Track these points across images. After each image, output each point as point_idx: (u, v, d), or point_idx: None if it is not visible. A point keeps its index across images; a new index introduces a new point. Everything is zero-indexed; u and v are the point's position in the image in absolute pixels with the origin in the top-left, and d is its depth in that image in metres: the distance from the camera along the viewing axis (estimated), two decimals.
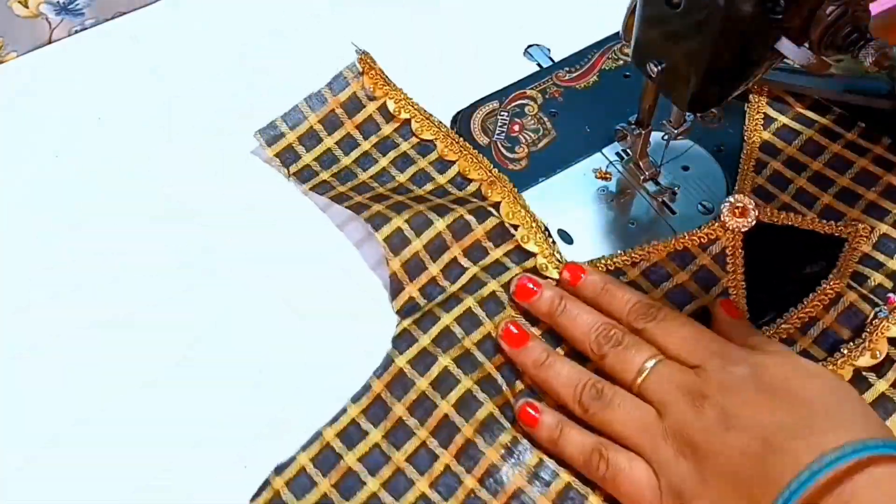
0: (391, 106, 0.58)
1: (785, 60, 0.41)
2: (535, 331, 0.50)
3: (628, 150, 0.57)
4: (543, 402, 0.47)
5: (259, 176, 0.57)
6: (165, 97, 0.61)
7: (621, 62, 0.61)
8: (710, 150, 0.57)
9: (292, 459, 0.46)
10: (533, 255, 0.52)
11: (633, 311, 0.48)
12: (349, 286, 0.52)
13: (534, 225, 0.53)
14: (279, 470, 0.45)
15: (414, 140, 0.57)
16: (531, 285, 0.50)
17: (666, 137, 0.53)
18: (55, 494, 0.46)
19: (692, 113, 0.47)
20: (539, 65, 0.62)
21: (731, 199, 0.49)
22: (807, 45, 0.40)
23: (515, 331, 0.48)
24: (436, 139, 0.57)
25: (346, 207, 0.53)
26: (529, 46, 0.63)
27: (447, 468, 0.45)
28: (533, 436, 0.46)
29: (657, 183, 0.55)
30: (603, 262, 0.52)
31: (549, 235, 0.53)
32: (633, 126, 0.54)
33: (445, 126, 0.57)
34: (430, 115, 0.58)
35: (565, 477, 0.45)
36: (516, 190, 0.54)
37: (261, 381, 0.49)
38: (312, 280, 0.53)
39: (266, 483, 0.45)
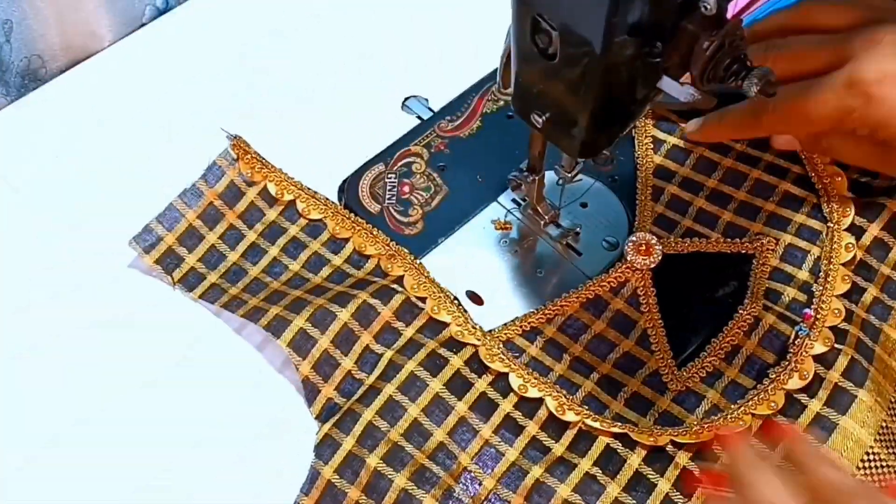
0: (272, 189, 0.55)
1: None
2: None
3: (525, 197, 0.55)
4: None
5: None
6: (166, 97, 0.61)
7: (502, 103, 0.60)
8: (606, 183, 0.56)
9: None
10: (446, 324, 0.50)
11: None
12: (258, 394, 0.50)
13: (441, 294, 0.51)
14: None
15: (302, 222, 0.54)
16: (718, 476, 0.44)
17: (561, 182, 0.51)
18: (55, 494, 0.46)
19: (583, 158, 0.46)
20: (419, 117, 0.60)
21: (634, 238, 0.49)
22: (689, 79, 0.40)
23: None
24: (324, 217, 0.54)
25: (241, 315, 0.50)
26: (406, 99, 0.61)
27: None
28: None
29: (558, 225, 0.54)
30: (518, 323, 0.50)
31: (458, 301, 0.51)
32: (526, 173, 0.53)
33: (333, 202, 0.55)
34: (315, 192, 0.55)
35: None
36: (416, 260, 0.52)
37: (261, 380, 0.50)
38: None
39: None
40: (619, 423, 0.47)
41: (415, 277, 0.51)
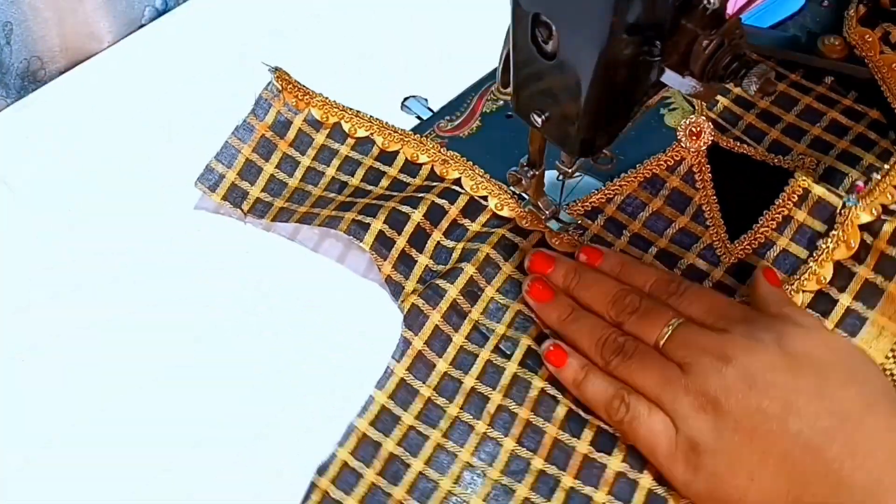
0: (316, 114, 0.57)
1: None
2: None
3: (525, 193, 0.55)
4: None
5: None
6: (165, 98, 0.61)
7: (501, 102, 0.60)
8: (604, 181, 0.56)
9: (332, 457, 0.46)
10: (511, 220, 0.53)
11: (654, 286, 0.48)
12: (347, 294, 0.53)
13: (501, 192, 0.54)
14: (321, 471, 0.45)
15: (350, 141, 0.57)
16: (547, 259, 0.50)
17: (560, 178, 0.51)
18: (55, 494, 0.47)
19: (583, 157, 0.46)
20: (419, 117, 0.60)
21: (686, 121, 0.52)
22: (689, 74, 0.40)
23: (541, 287, 0.49)
24: (371, 134, 0.56)
25: (317, 226, 0.53)
26: (406, 99, 0.61)
27: (484, 435, 0.46)
28: (558, 377, 0.47)
29: (559, 220, 0.54)
30: (580, 203, 0.53)
31: (519, 196, 0.54)
32: (526, 168, 0.52)
33: (377, 118, 0.57)
34: (358, 111, 0.57)
35: (595, 422, 0.46)
36: (470, 162, 0.55)
37: (261, 381, 0.50)
38: (310, 287, 0.53)
39: (312, 486, 0.45)
40: None
41: (472, 178, 0.54)
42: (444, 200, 0.53)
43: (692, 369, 0.43)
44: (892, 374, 0.46)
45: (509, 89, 0.45)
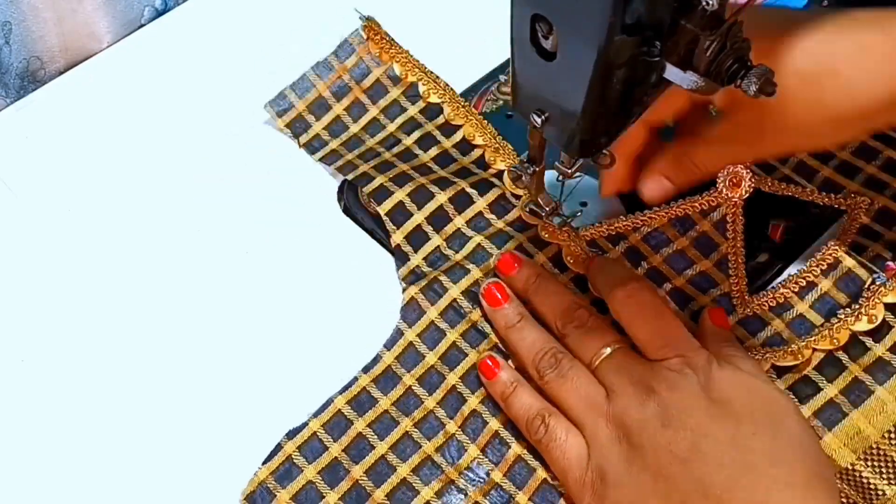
0: (397, 69, 0.59)
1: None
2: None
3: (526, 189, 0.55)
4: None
5: (258, 162, 0.58)
6: (165, 99, 0.61)
7: (501, 102, 0.60)
8: None
9: (303, 425, 0.47)
10: (534, 227, 0.53)
11: (562, 314, 0.48)
12: (297, 209, 0.55)
13: (539, 195, 0.53)
14: (291, 435, 0.47)
15: (421, 104, 0.58)
16: (514, 263, 0.51)
17: (560, 178, 0.51)
18: (55, 494, 0.47)
19: (583, 157, 0.46)
20: None
21: (726, 170, 0.50)
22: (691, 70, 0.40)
23: (496, 291, 0.50)
24: (443, 102, 0.58)
25: (351, 179, 0.55)
26: None
27: (452, 436, 0.47)
28: (487, 388, 0.48)
29: (560, 215, 0.54)
30: (604, 226, 0.53)
31: (558, 205, 0.53)
32: (526, 165, 0.52)
33: (452, 89, 0.58)
34: (438, 77, 0.58)
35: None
36: (518, 156, 0.55)
37: (261, 381, 0.50)
38: (293, 236, 0.55)
39: (278, 447, 0.47)
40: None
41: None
42: (473, 191, 0.54)
43: (616, 398, 0.44)
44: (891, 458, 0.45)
45: (508, 88, 0.45)
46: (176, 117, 0.60)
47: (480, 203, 0.54)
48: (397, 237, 0.53)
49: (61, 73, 0.63)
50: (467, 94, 0.60)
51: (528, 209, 0.55)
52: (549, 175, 0.52)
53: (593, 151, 0.45)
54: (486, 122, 0.57)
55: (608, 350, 0.46)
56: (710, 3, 0.35)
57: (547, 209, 0.54)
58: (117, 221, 0.56)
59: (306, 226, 0.56)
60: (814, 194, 0.53)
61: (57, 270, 0.54)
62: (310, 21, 0.64)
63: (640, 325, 0.46)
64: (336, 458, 0.47)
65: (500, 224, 0.53)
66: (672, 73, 0.39)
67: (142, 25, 0.65)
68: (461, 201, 0.53)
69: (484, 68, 0.61)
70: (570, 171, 0.50)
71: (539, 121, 0.44)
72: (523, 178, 0.54)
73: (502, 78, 0.61)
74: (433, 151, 0.57)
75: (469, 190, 0.54)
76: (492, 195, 0.54)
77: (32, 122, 0.60)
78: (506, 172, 0.55)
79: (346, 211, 0.56)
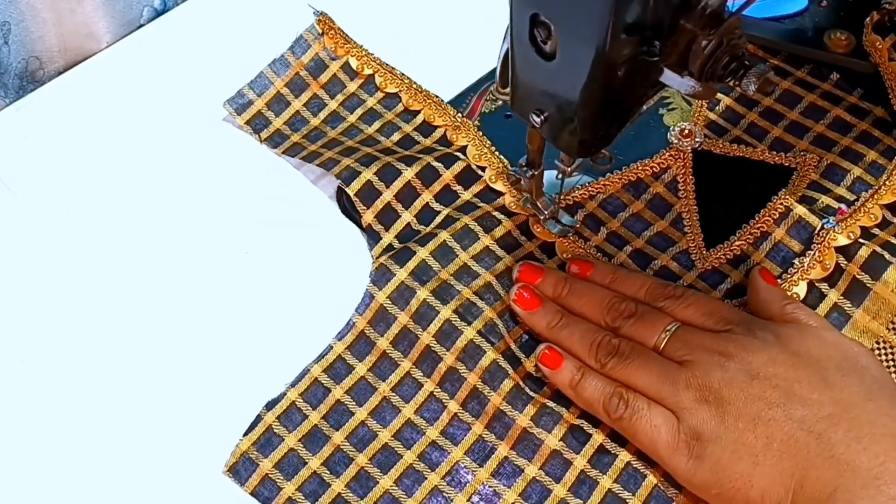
0: (354, 63, 0.59)
1: None
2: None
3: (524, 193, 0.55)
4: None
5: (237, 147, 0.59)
6: (164, 99, 0.61)
7: (500, 102, 0.60)
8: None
9: (282, 396, 0.48)
10: (502, 194, 0.54)
11: (649, 293, 0.48)
12: (298, 210, 0.56)
13: (500, 165, 0.55)
14: (270, 406, 0.48)
15: (379, 94, 0.59)
16: (532, 271, 0.50)
17: (560, 177, 0.51)
18: (55, 494, 0.47)
19: (582, 157, 0.46)
20: None
21: (676, 127, 0.53)
22: (688, 74, 0.40)
23: (528, 295, 0.49)
24: (400, 91, 0.59)
25: (317, 165, 0.55)
26: None
27: (430, 395, 0.48)
28: (552, 380, 0.47)
29: (558, 221, 0.54)
30: (563, 196, 0.54)
31: (516, 173, 0.54)
32: (525, 168, 0.52)
33: (408, 77, 0.59)
34: (393, 68, 0.59)
35: (541, 399, 0.47)
36: (481, 133, 0.56)
37: (261, 382, 0.50)
38: (292, 236, 0.55)
39: (258, 418, 0.48)
40: None
41: (477, 148, 0.56)
42: (440, 164, 0.55)
43: (693, 365, 0.44)
44: None
45: (508, 89, 0.46)
46: (175, 117, 0.60)
47: (447, 175, 0.54)
48: (368, 217, 0.53)
49: (60, 73, 0.63)
50: (467, 93, 0.60)
51: (527, 207, 0.55)
52: (549, 174, 0.52)
53: (592, 151, 0.45)
54: (444, 102, 0.58)
55: (668, 333, 0.46)
56: (710, 1, 0.36)
57: (546, 213, 0.54)
58: (116, 221, 0.56)
59: (306, 226, 0.56)
60: (764, 154, 0.55)
61: (56, 270, 0.54)
62: (309, 21, 0.64)
63: (691, 308, 0.47)
64: (316, 425, 0.48)
65: (466, 195, 0.54)
66: (669, 77, 0.39)
67: (141, 25, 0.65)
68: (428, 175, 0.54)
69: (483, 68, 0.61)
70: (569, 169, 0.50)
71: (538, 120, 0.44)
72: (522, 181, 0.54)
73: None
74: (396, 136, 0.57)
75: (435, 164, 0.55)
76: (457, 167, 0.55)
77: (31, 122, 0.60)
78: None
79: (345, 211, 0.56)
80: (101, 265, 0.54)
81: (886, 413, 0.41)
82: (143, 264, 0.54)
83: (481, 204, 0.54)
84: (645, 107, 0.43)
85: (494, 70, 0.59)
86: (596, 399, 0.45)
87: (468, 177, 0.55)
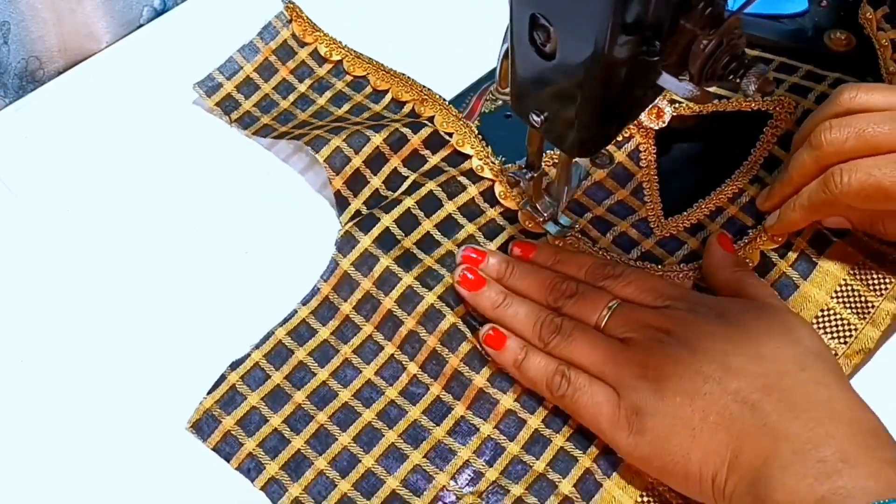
0: (322, 50, 0.61)
1: None
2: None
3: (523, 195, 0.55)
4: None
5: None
6: (164, 99, 0.61)
7: (500, 102, 0.60)
8: None
9: (246, 356, 0.49)
10: (469, 157, 0.55)
11: (590, 272, 0.49)
12: (297, 209, 0.56)
13: (466, 129, 0.56)
14: (234, 366, 0.49)
15: (348, 78, 0.60)
16: (475, 255, 0.51)
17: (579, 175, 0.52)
18: (54, 494, 0.47)
19: (582, 157, 0.46)
20: None
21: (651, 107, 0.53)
22: (687, 76, 0.40)
23: (471, 276, 0.50)
24: (367, 74, 0.60)
25: (287, 140, 0.56)
26: None
27: (391, 357, 0.49)
28: (497, 360, 0.48)
29: (557, 223, 0.54)
30: (522, 164, 0.53)
31: (482, 138, 0.56)
32: (524, 170, 0.52)
33: (376, 61, 0.60)
34: (361, 54, 0.60)
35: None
36: (446, 102, 0.57)
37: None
38: (292, 236, 0.55)
39: (222, 378, 0.49)
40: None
41: (444, 116, 0.57)
42: (407, 129, 0.55)
43: (633, 342, 0.45)
44: None
45: (508, 89, 0.46)
46: (175, 117, 0.60)
47: (415, 140, 0.55)
48: (337, 183, 0.54)
49: (60, 73, 0.63)
50: (466, 93, 0.60)
51: (526, 209, 0.55)
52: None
53: (592, 151, 0.45)
54: (410, 79, 0.59)
55: (609, 310, 0.47)
56: (710, 1, 0.36)
57: (545, 215, 0.54)
58: (116, 222, 0.56)
59: (306, 226, 0.56)
60: (741, 103, 0.56)
61: (56, 271, 0.54)
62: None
63: (631, 286, 0.48)
64: (278, 384, 0.49)
65: (434, 160, 0.55)
66: (666, 81, 0.39)
67: (141, 25, 0.65)
68: (396, 141, 0.55)
69: (483, 68, 0.61)
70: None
71: (538, 120, 0.44)
72: (521, 183, 0.54)
73: None
74: (365, 115, 0.58)
75: (403, 129, 0.55)
76: (424, 132, 0.56)
77: (31, 122, 0.60)
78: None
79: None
80: (101, 265, 0.54)
81: (818, 381, 0.42)
82: (143, 264, 0.54)
83: (448, 168, 0.55)
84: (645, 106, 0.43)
85: (494, 70, 0.60)
86: (539, 378, 0.47)
87: (436, 141, 0.56)
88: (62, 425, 0.49)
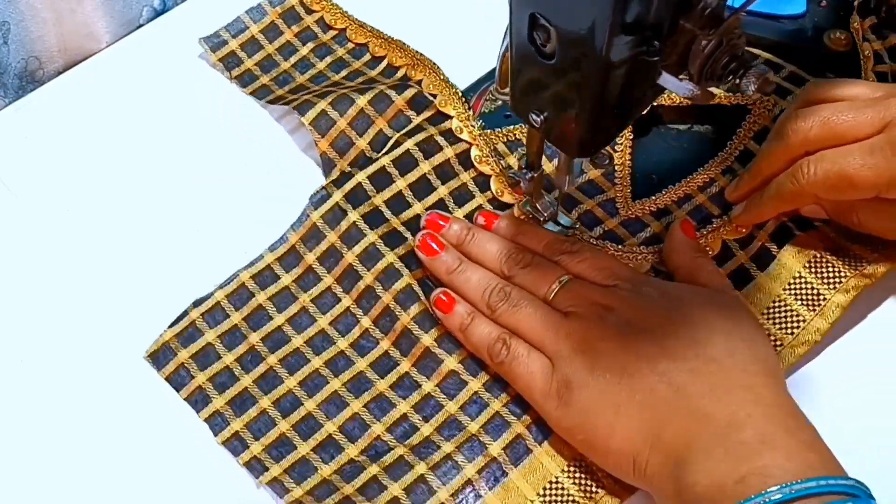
0: (327, 18, 0.62)
1: None
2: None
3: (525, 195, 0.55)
4: None
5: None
6: (164, 99, 0.61)
7: (500, 103, 0.60)
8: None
9: (209, 295, 0.51)
10: (450, 118, 0.56)
11: (547, 246, 0.50)
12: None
13: (450, 91, 0.57)
14: (197, 303, 0.51)
15: (349, 45, 0.61)
16: (441, 221, 0.52)
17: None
18: (54, 493, 0.47)
19: (581, 157, 0.46)
20: None
21: None
22: (687, 76, 0.40)
23: (431, 242, 0.51)
24: (368, 42, 0.61)
25: (281, 105, 0.57)
26: None
27: (347, 310, 0.51)
28: (445, 324, 0.50)
29: (557, 223, 0.54)
30: (505, 132, 0.57)
31: (466, 101, 0.57)
32: (524, 171, 0.52)
33: (378, 31, 0.61)
34: (364, 23, 0.62)
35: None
36: (437, 67, 0.58)
37: None
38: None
39: (184, 313, 0.51)
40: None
41: (430, 78, 0.58)
42: (392, 91, 0.56)
43: (575, 317, 0.46)
44: None
45: (508, 89, 0.46)
46: (175, 117, 0.60)
47: (399, 101, 0.56)
48: (322, 145, 0.55)
49: (60, 73, 0.63)
50: (466, 93, 0.60)
51: (525, 209, 0.55)
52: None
53: (592, 151, 0.45)
54: (406, 46, 0.60)
55: (564, 279, 0.48)
56: (710, 1, 0.36)
57: (545, 215, 0.54)
58: (116, 222, 0.56)
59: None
60: (723, 97, 0.56)
61: (56, 271, 0.54)
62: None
63: (584, 263, 0.49)
64: (236, 324, 0.51)
65: (418, 120, 0.56)
66: (667, 80, 0.39)
67: (140, 25, 0.65)
68: (380, 103, 0.56)
69: (483, 68, 0.61)
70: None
71: (537, 120, 0.44)
72: (521, 184, 0.54)
73: None
74: (360, 79, 0.59)
75: (387, 91, 0.56)
76: (409, 93, 0.57)
77: (31, 122, 0.60)
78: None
79: None
80: (101, 265, 0.54)
81: (743, 368, 0.43)
82: (143, 264, 0.54)
83: (429, 127, 0.56)
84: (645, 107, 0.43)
85: (494, 70, 0.60)
86: (482, 343, 0.48)
87: (420, 101, 0.57)
88: (62, 425, 0.49)
